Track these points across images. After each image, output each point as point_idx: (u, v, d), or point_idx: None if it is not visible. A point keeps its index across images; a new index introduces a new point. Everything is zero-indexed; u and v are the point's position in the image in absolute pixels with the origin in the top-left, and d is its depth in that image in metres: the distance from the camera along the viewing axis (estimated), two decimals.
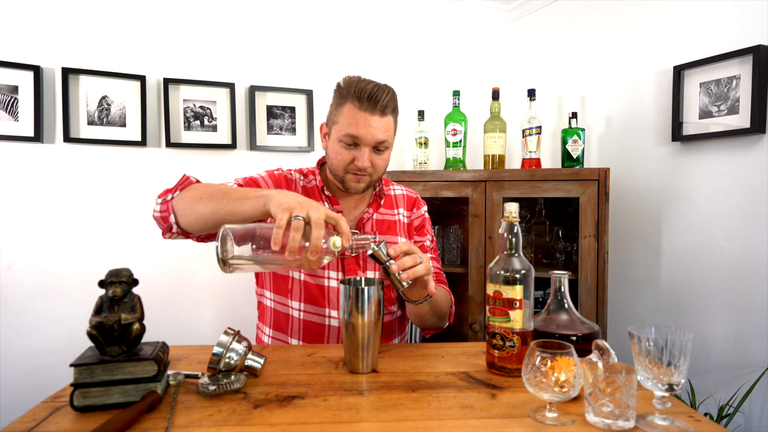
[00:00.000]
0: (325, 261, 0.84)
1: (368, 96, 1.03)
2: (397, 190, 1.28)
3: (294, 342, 1.12)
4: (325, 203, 1.15)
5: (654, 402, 0.66)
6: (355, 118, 1.04)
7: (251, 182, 1.13)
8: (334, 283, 1.11)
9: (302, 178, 1.20)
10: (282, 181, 1.17)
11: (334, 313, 1.10)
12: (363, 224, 1.17)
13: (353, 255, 1.08)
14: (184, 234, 0.98)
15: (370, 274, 1.14)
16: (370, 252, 0.88)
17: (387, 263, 0.88)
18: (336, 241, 0.80)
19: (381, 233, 1.18)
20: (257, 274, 1.20)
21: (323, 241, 0.78)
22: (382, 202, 1.21)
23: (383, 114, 1.05)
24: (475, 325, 1.75)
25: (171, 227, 0.97)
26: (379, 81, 1.08)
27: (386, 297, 1.18)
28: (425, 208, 1.30)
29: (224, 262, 0.78)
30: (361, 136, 1.04)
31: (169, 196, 0.97)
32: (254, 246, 0.79)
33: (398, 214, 1.24)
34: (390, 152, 1.13)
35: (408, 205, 1.27)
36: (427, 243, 1.27)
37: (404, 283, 0.89)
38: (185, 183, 1.00)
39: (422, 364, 0.89)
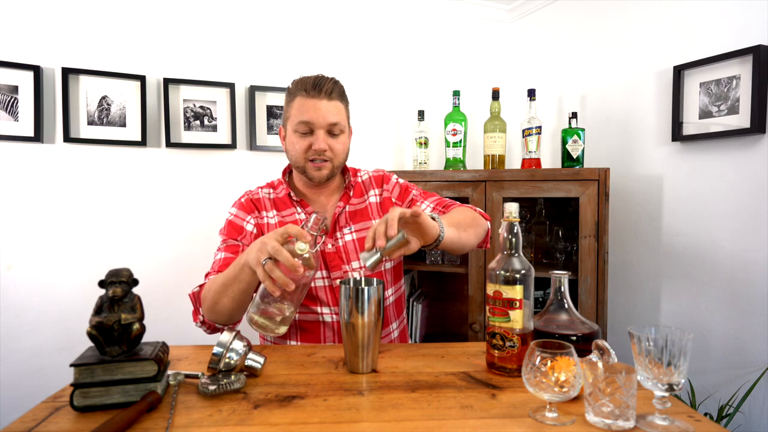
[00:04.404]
0: (314, 261, 0.90)
1: (313, 85, 1.12)
2: (364, 175, 1.30)
3: (293, 343, 1.16)
4: (297, 208, 1.20)
5: (654, 402, 0.66)
6: (305, 106, 1.11)
7: (231, 229, 1.18)
8: (320, 282, 1.14)
9: (272, 191, 1.24)
10: (249, 206, 1.21)
11: (326, 310, 1.13)
12: (337, 218, 1.20)
13: (324, 238, 1.14)
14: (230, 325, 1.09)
15: (355, 264, 1.16)
16: (306, 225, 0.92)
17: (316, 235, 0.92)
18: (299, 246, 0.86)
19: (355, 223, 1.20)
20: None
21: (294, 257, 0.85)
22: (351, 193, 1.24)
23: (330, 98, 1.12)
24: (475, 325, 1.75)
25: (216, 329, 1.08)
26: (327, 76, 1.15)
27: None
28: (395, 177, 1.31)
29: (275, 327, 0.90)
30: (312, 119, 1.11)
31: (200, 318, 1.07)
32: (271, 302, 0.89)
33: (368, 197, 1.25)
34: (347, 138, 1.18)
35: (377, 184, 1.28)
36: (414, 193, 1.26)
37: (367, 262, 0.86)
38: (199, 301, 1.08)
39: (422, 364, 0.89)
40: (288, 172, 1.27)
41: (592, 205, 1.61)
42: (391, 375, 0.84)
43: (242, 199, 1.23)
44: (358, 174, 1.30)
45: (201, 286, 1.09)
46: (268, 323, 0.89)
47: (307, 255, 0.86)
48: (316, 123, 1.11)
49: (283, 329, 0.91)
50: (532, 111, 1.85)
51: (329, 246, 1.16)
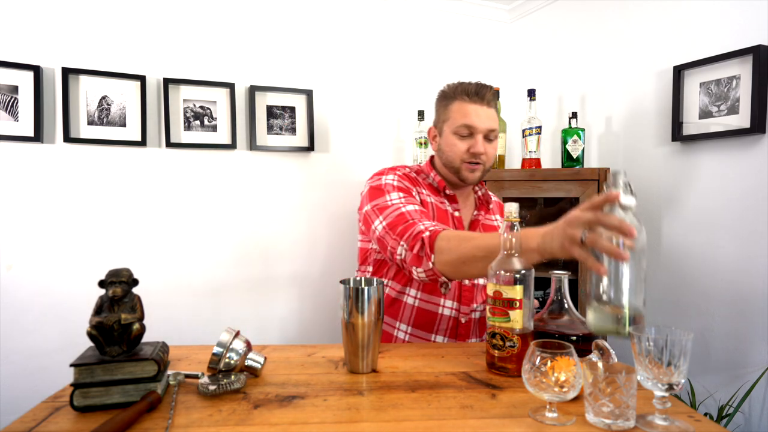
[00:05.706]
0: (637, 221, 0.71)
1: (475, 91, 1.18)
2: (493, 197, 1.36)
3: (403, 327, 1.18)
4: (446, 200, 1.24)
5: (654, 402, 0.66)
6: (466, 110, 1.17)
7: (399, 189, 1.14)
8: (447, 312, 1.17)
9: (417, 176, 1.27)
10: (409, 179, 1.22)
11: (448, 303, 1.16)
12: (478, 227, 1.25)
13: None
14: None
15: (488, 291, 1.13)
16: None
17: None
18: (626, 200, 0.71)
19: None
20: (378, 265, 1.24)
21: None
22: (491, 206, 1.31)
23: (489, 105, 1.19)
24: None
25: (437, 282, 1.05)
26: (486, 84, 1.21)
27: (469, 296, 1.19)
28: None
29: (619, 328, 0.70)
30: (474, 124, 1.17)
31: (429, 265, 0.97)
32: (603, 293, 0.72)
33: (496, 220, 1.33)
34: (497, 144, 1.24)
35: (501, 212, 1.36)
36: None
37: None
38: (431, 247, 0.97)
39: (422, 364, 0.89)
40: (430, 163, 1.30)
41: None
42: (391, 375, 0.84)
43: (398, 172, 1.22)
44: (489, 193, 1.35)
45: (434, 232, 0.98)
46: (611, 325, 0.70)
47: (631, 211, 0.70)
48: (477, 127, 1.16)
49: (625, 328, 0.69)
50: (532, 111, 1.85)
51: None
